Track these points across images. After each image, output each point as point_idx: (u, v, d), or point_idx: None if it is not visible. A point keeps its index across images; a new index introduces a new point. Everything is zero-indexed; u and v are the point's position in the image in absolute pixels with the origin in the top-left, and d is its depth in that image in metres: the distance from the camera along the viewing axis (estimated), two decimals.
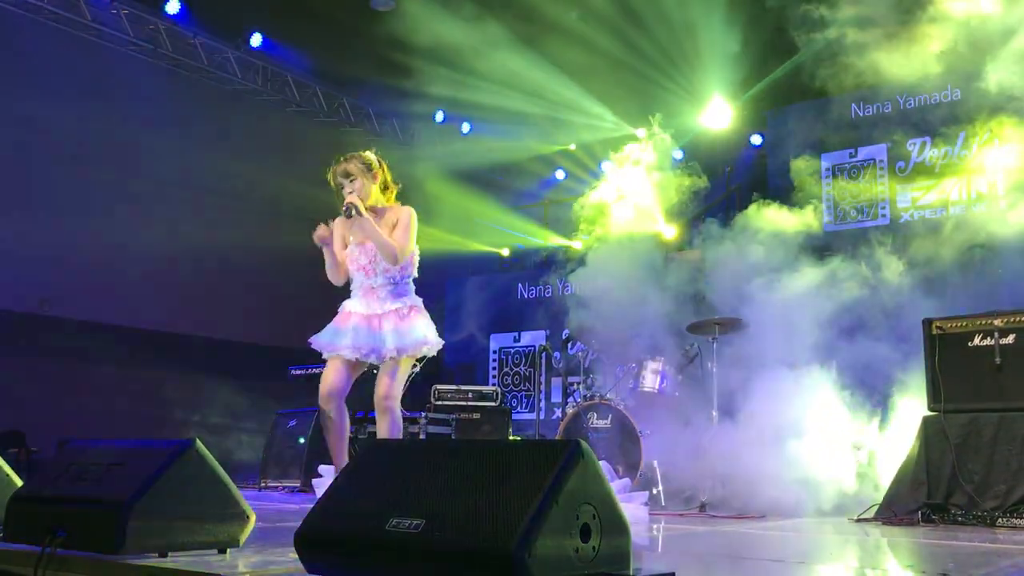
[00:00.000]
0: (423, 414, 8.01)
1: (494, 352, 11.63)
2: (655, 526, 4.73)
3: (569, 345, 7.57)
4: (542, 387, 10.28)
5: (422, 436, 7.81)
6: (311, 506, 2.40)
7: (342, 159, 4.18)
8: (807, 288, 6.54)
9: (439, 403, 8.35)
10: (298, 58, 10.81)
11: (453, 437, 7.98)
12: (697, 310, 7.20)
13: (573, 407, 7.02)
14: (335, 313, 4.23)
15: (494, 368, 11.57)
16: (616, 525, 2.17)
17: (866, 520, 4.98)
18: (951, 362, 5.03)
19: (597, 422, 6.66)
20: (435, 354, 4.24)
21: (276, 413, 8.51)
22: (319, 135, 11.04)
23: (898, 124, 8.72)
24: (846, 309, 6.56)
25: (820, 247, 7.58)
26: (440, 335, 4.20)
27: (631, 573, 2.19)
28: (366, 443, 6.70)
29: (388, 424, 4.00)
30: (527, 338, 11.36)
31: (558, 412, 9.75)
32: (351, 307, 4.15)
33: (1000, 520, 4.57)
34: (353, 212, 3.99)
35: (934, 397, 5.04)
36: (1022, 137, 7.39)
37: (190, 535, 2.72)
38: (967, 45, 6.72)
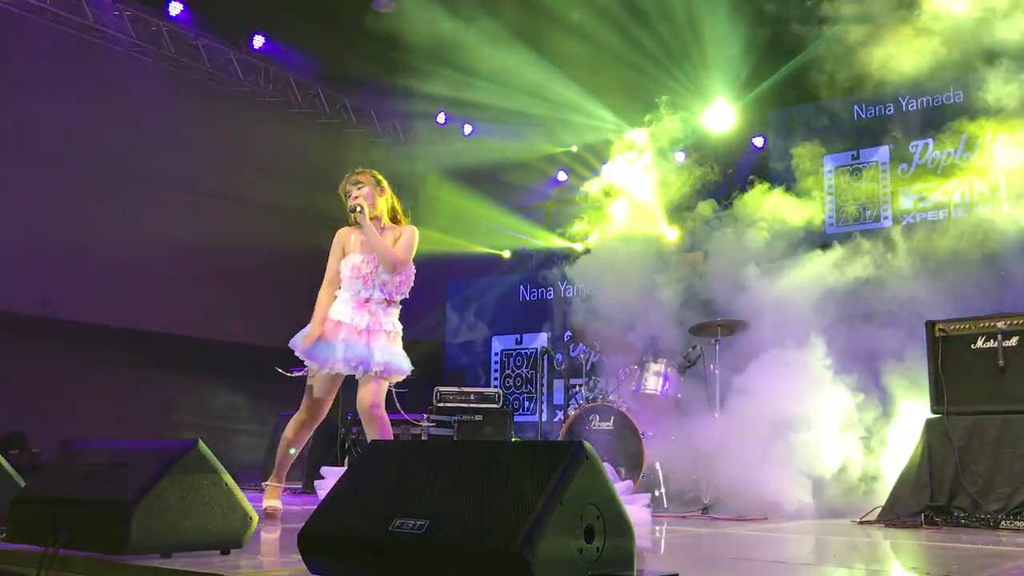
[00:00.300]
0: (425, 416, 8.00)
1: (496, 354, 11.61)
2: (657, 528, 4.72)
3: (571, 347, 7.57)
4: (544, 389, 10.26)
5: (424, 438, 7.81)
6: (313, 508, 2.40)
7: (354, 172, 4.51)
8: (809, 283, 6.54)
9: (441, 405, 8.33)
10: (300, 60, 10.81)
11: (455, 439, 7.97)
12: (699, 312, 7.19)
13: (575, 409, 7.02)
14: None
15: (496, 370, 11.56)
16: (620, 526, 2.17)
17: (869, 522, 4.97)
18: (954, 364, 5.03)
19: (600, 424, 6.65)
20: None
21: (278, 414, 8.49)
22: (321, 136, 11.05)
23: (900, 126, 8.72)
24: (848, 307, 6.55)
25: (822, 248, 7.56)
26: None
27: (634, 574, 2.19)
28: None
29: (378, 430, 4.24)
30: (529, 340, 11.36)
31: (560, 414, 9.74)
32: (339, 316, 4.31)
33: (1003, 522, 4.56)
34: (359, 210, 4.25)
35: (937, 399, 5.03)
36: None
37: (193, 536, 2.72)
38: (970, 46, 6.71)
